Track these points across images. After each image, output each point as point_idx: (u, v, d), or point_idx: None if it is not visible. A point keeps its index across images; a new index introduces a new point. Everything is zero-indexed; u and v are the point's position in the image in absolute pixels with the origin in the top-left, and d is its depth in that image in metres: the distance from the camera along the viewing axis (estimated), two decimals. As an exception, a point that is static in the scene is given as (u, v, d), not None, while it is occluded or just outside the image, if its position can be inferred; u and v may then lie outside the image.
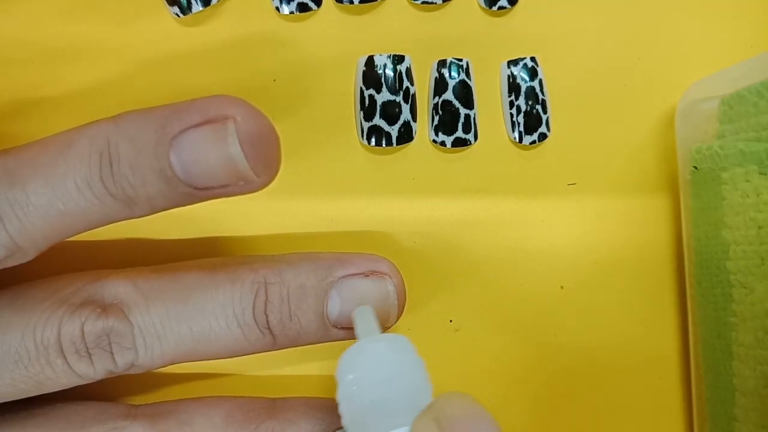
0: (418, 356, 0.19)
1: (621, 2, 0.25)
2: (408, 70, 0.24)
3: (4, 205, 0.18)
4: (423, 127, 0.25)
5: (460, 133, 0.24)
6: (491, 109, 0.25)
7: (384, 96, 0.24)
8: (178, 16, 0.23)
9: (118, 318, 0.19)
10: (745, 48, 0.26)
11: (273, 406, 0.22)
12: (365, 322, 0.19)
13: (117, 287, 0.20)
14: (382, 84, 0.24)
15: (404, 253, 0.25)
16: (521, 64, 0.25)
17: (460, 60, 0.24)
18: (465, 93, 0.24)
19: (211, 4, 0.23)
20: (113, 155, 0.18)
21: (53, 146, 0.18)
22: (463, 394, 0.17)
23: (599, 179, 0.25)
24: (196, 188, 0.18)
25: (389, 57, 0.24)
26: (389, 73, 0.24)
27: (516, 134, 0.25)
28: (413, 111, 0.24)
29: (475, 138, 0.25)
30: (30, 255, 0.19)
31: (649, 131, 0.26)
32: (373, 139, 0.24)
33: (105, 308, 0.20)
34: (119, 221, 0.19)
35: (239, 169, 0.18)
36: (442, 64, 0.24)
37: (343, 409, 0.18)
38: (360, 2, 0.24)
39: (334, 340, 0.21)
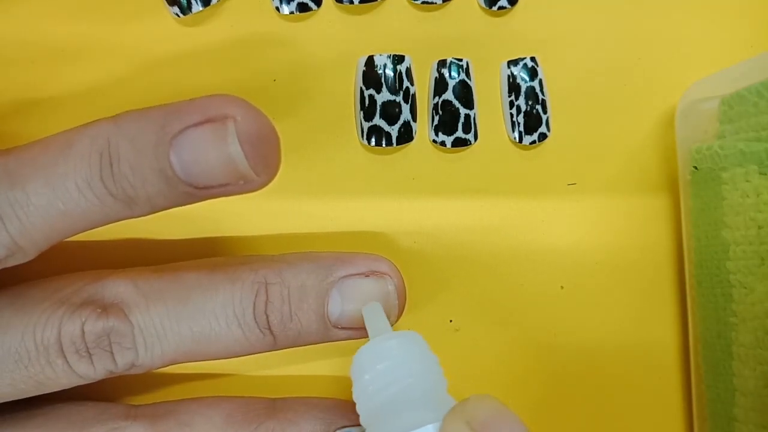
0: (430, 352, 0.19)
1: (621, 2, 0.25)
2: (408, 70, 0.24)
3: (4, 205, 0.18)
4: (423, 127, 0.25)
5: (460, 133, 0.24)
6: (491, 109, 0.25)
7: (384, 96, 0.24)
8: (178, 16, 0.23)
9: (119, 318, 0.19)
10: (745, 48, 0.26)
11: (273, 407, 0.22)
12: (375, 319, 0.20)
13: (117, 287, 0.20)
14: (382, 84, 0.24)
15: (404, 253, 0.25)
16: (521, 64, 0.25)
17: (460, 60, 0.24)
18: (465, 93, 0.24)
19: (211, 4, 0.23)
20: (113, 155, 0.18)
21: (54, 146, 0.18)
22: (491, 396, 0.17)
23: (599, 179, 0.25)
24: (196, 188, 0.18)
25: (389, 57, 0.24)
26: (389, 73, 0.24)
27: (516, 134, 0.25)
28: (413, 111, 0.24)
29: (475, 138, 0.25)
30: (30, 255, 0.19)
31: (649, 131, 0.26)
32: (373, 139, 0.24)
33: (105, 308, 0.20)
34: (119, 221, 0.19)
35: (239, 169, 0.18)
36: (442, 64, 0.24)
37: (361, 408, 0.18)
38: (360, 2, 0.24)
39: (335, 340, 0.21)
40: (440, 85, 0.24)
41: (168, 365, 0.21)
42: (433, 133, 0.24)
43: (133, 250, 0.24)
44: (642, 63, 0.25)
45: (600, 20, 0.25)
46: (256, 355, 0.21)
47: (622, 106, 0.25)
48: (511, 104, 0.25)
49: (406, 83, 0.24)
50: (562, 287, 0.25)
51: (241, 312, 0.20)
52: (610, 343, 0.26)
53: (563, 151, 0.25)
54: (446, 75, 0.24)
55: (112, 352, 0.19)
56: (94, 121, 0.18)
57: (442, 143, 0.24)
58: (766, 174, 0.21)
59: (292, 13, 0.24)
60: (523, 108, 0.24)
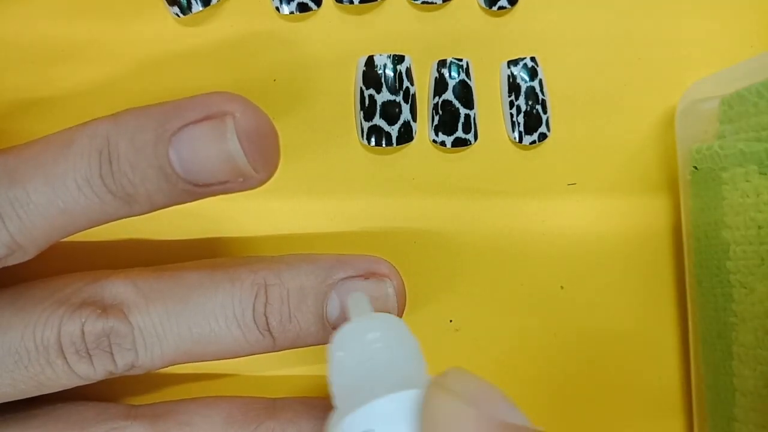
0: (411, 335, 0.18)
1: (621, 2, 0.25)
2: (408, 70, 0.24)
3: (4, 204, 0.18)
4: (423, 127, 0.25)
5: (460, 133, 0.24)
6: (491, 109, 0.25)
7: (384, 96, 0.24)
8: (178, 16, 0.23)
9: (119, 318, 0.19)
10: (745, 48, 0.26)
11: (273, 407, 0.22)
12: (358, 305, 0.19)
13: (117, 288, 0.20)
14: (382, 84, 0.24)
15: (404, 253, 0.25)
16: (521, 64, 0.25)
17: (460, 60, 0.24)
18: (465, 93, 0.24)
19: (211, 4, 0.23)
20: (113, 153, 0.18)
21: (53, 145, 0.18)
22: (468, 371, 0.16)
23: (599, 179, 0.25)
24: (195, 185, 0.18)
25: (389, 57, 0.24)
26: (389, 73, 0.24)
27: (516, 134, 0.25)
28: (413, 111, 0.24)
29: (475, 138, 0.25)
30: (30, 254, 0.19)
31: (649, 131, 0.26)
32: (373, 139, 0.24)
33: (105, 309, 0.20)
34: (119, 219, 0.19)
35: (238, 166, 0.18)
36: (442, 64, 0.24)
37: (335, 387, 0.18)
38: (360, 2, 0.24)
39: (334, 341, 0.21)
40: (440, 85, 0.24)
41: (168, 366, 0.21)
42: (433, 133, 0.24)
43: (133, 250, 0.24)
44: (642, 63, 0.25)
45: (600, 20, 0.25)
46: (256, 355, 0.21)
47: (622, 106, 0.25)
48: (511, 104, 0.25)
49: (406, 83, 0.24)
50: (562, 287, 0.25)
51: (241, 313, 0.20)
52: (610, 343, 0.26)
53: (563, 151, 0.25)
54: (446, 75, 0.24)
55: (111, 353, 0.20)
56: (93, 120, 0.18)
57: (442, 143, 0.24)
58: (766, 174, 0.21)
59: (292, 13, 0.24)
60: (523, 108, 0.24)
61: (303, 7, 0.24)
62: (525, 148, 0.25)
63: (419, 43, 0.25)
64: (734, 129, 0.22)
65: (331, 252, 0.22)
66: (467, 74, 0.24)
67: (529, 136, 0.25)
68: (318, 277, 0.21)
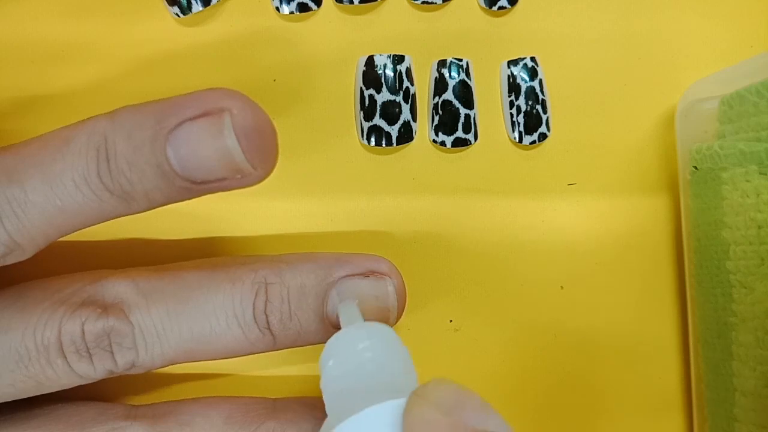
0: (401, 344, 0.18)
1: (621, 2, 0.25)
2: (408, 70, 0.24)
3: (2, 202, 0.18)
4: (423, 127, 0.25)
5: (460, 133, 0.24)
6: (491, 109, 0.25)
7: (384, 96, 0.24)
8: (178, 16, 0.23)
9: (119, 318, 0.19)
10: (745, 48, 0.26)
11: (273, 407, 0.22)
12: (348, 313, 0.19)
13: (117, 287, 0.20)
14: (382, 84, 0.24)
15: (404, 253, 0.25)
16: (521, 64, 0.25)
17: (460, 60, 0.24)
18: (465, 93, 0.24)
19: (211, 4, 0.23)
20: (110, 150, 0.18)
21: (51, 143, 0.18)
22: (451, 380, 0.17)
23: (599, 179, 0.25)
24: (193, 182, 0.18)
25: (389, 57, 0.24)
26: (389, 73, 0.24)
27: (516, 134, 0.25)
28: (413, 111, 0.24)
29: (475, 138, 0.25)
30: (28, 253, 0.19)
31: (649, 131, 0.26)
32: (373, 139, 0.24)
33: (105, 308, 0.20)
34: (117, 217, 0.19)
35: (236, 162, 0.18)
36: (442, 64, 0.24)
37: (326, 396, 0.18)
38: (360, 2, 0.24)
39: (334, 341, 0.21)
40: (440, 85, 0.24)
41: (168, 365, 0.21)
42: (433, 133, 0.24)
43: (133, 250, 0.24)
44: (642, 63, 0.25)
45: (600, 20, 0.25)
46: (256, 355, 0.21)
47: (622, 106, 0.25)
48: (511, 104, 0.25)
49: (406, 83, 0.24)
50: (562, 287, 0.25)
51: (241, 312, 0.20)
52: (610, 343, 0.26)
53: (563, 151, 0.25)
54: (446, 75, 0.24)
55: (112, 352, 0.19)
56: (91, 118, 0.18)
57: (442, 143, 0.24)
58: (766, 174, 0.21)
59: (292, 13, 0.24)
60: (523, 108, 0.24)
61: (303, 7, 0.24)
62: (525, 148, 0.25)
63: (419, 43, 0.25)
64: (734, 129, 0.22)
65: (331, 251, 0.22)
66: (467, 74, 0.24)
67: (529, 136, 0.25)
68: (318, 276, 0.21)
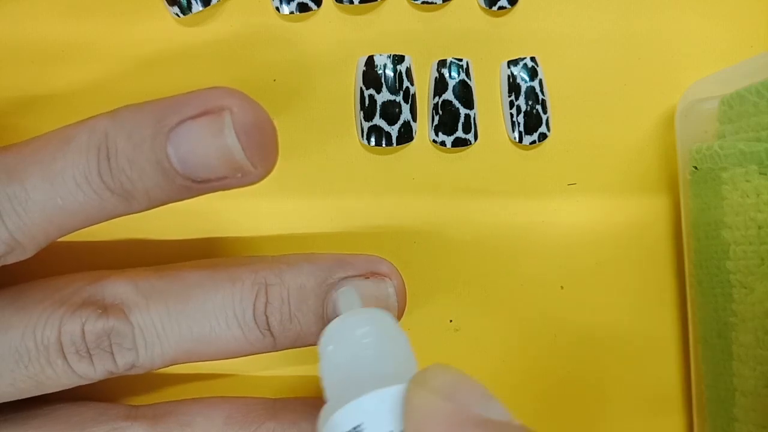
0: (400, 330, 0.18)
1: (621, 2, 0.25)
2: (408, 70, 0.24)
3: (2, 201, 0.18)
4: (423, 127, 0.25)
5: (460, 133, 0.24)
6: (491, 109, 0.25)
7: (384, 96, 0.24)
8: (178, 16, 0.23)
9: (119, 318, 0.19)
10: (745, 48, 0.26)
11: (273, 407, 0.22)
12: (347, 299, 0.19)
13: (117, 287, 0.20)
14: (382, 84, 0.24)
15: (404, 253, 0.25)
16: (521, 64, 0.25)
17: (460, 60, 0.24)
18: (465, 93, 0.24)
19: (211, 4, 0.23)
20: (111, 149, 0.18)
21: (52, 142, 0.18)
22: (451, 366, 0.17)
23: (599, 179, 0.25)
24: (193, 181, 0.18)
25: (389, 57, 0.24)
26: (389, 73, 0.24)
27: (516, 134, 0.25)
28: (413, 111, 0.24)
29: (475, 138, 0.25)
30: (29, 251, 0.19)
31: (649, 131, 0.26)
32: (373, 139, 0.24)
33: (105, 308, 0.20)
34: (118, 216, 0.19)
35: (236, 160, 0.18)
36: (442, 64, 0.24)
37: (325, 382, 0.18)
38: (360, 2, 0.24)
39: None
40: (440, 85, 0.24)
41: (168, 365, 0.21)
42: (433, 133, 0.24)
43: (133, 250, 0.24)
44: (642, 63, 0.25)
45: (600, 20, 0.25)
46: (256, 355, 0.21)
47: (622, 106, 0.25)
48: (511, 104, 0.25)
49: (406, 83, 0.24)
50: (562, 287, 0.25)
51: (241, 312, 0.20)
52: (610, 343, 0.26)
53: (563, 151, 0.25)
54: (446, 75, 0.24)
55: (112, 353, 0.19)
56: (91, 117, 0.18)
57: (442, 143, 0.24)
58: (766, 174, 0.21)
59: (292, 13, 0.24)
60: (523, 108, 0.24)
61: (303, 7, 0.24)
62: (525, 148, 0.25)
63: (419, 43, 0.25)
64: (734, 129, 0.22)
65: (332, 252, 0.22)
66: (467, 74, 0.24)
67: (529, 136, 0.25)
68: (318, 277, 0.21)
